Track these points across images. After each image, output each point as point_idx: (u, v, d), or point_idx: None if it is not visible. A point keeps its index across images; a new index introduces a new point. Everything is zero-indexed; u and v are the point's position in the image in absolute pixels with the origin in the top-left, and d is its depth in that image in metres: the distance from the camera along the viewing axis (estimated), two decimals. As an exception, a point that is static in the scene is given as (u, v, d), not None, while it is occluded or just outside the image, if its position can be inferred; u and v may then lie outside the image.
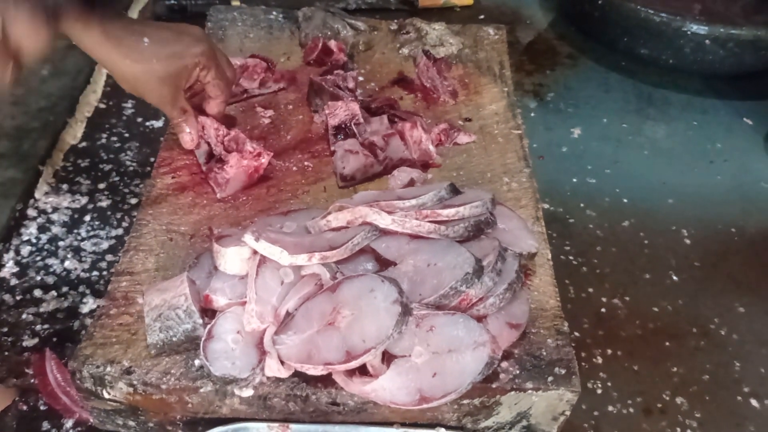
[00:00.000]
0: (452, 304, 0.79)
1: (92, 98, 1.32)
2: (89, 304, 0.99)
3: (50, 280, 1.02)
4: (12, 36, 0.72)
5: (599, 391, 0.97)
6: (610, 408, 0.95)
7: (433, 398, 0.74)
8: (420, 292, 0.80)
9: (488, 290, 0.80)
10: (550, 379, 0.80)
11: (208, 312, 0.84)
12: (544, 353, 0.82)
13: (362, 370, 0.77)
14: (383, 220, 0.85)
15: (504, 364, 0.80)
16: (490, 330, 0.78)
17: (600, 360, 1.01)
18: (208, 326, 0.80)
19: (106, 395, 0.80)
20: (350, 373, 0.77)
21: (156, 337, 0.79)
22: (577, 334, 1.02)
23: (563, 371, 0.80)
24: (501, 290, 0.81)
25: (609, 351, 1.02)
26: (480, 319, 0.80)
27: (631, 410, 0.95)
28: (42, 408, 0.88)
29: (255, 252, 0.83)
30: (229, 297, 0.83)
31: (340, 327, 0.77)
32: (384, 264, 0.84)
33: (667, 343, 1.04)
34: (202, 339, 0.79)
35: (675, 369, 1.00)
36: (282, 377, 0.78)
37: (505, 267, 0.83)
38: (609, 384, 0.98)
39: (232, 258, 0.83)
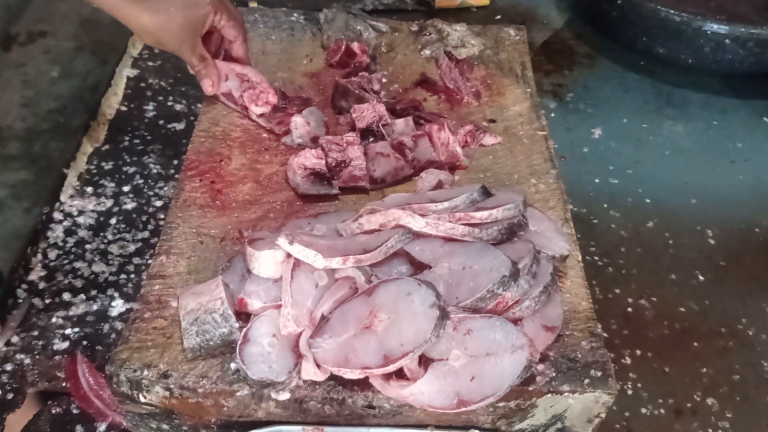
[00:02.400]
0: (488, 307, 0.79)
1: (113, 101, 1.32)
2: (118, 307, 0.99)
3: (78, 283, 1.02)
4: None
5: (630, 392, 0.97)
6: (641, 409, 0.95)
7: (471, 402, 0.74)
8: (456, 295, 0.79)
9: (524, 293, 0.80)
10: (586, 381, 0.80)
11: (242, 315, 0.84)
12: (579, 355, 0.82)
13: (399, 374, 0.77)
14: (416, 223, 0.85)
15: (540, 367, 0.80)
16: (527, 333, 0.78)
17: (629, 361, 1.01)
18: (244, 330, 0.80)
19: (142, 399, 0.80)
20: (387, 376, 0.77)
21: (193, 341, 0.79)
22: (605, 334, 1.01)
23: (599, 373, 0.80)
24: (536, 293, 0.81)
25: (638, 352, 1.02)
26: (515, 322, 0.80)
27: (662, 411, 0.95)
28: (75, 412, 0.89)
29: (288, 255, 0.83)
30: (263, 300, 0.83)
31: (377, 331, 0.77)
32: (418, 267, 0.84)
33: (696, 344, 1.04)
34: (238, 342, 0.79)
35: (704, 370, 1.00)
36: (318, 380, 0.78)
37: (539, 270, 0.82)
38: (639, 385, 0.98)
39: (266, 261, 0.83)
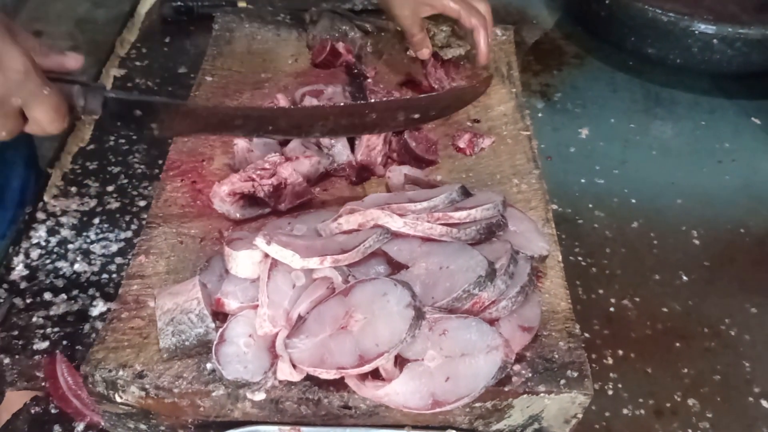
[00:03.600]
0: (465, 308, 0.79)
1: (100, 100, 1.31)
2: (99, 307, 0.99)
3: (60, 283, 1.02)
4: (30, 114, 0.75)
5: (610, 392, 0.97)
6: (622, 409, 0.95)
7: (446, 402, 0.74)
8: (432, 295, 0.79)
9: (501, 293, 0.80)
10: (562, 382, 0.79)
11: (220, 315, 0.84)
12: (556, 356, 0.82)
13: (375, 374, 0.77)
14: (395, 223, 0.85)
15: (516, 367, 0.80)
16: (503, 333, 0.78)
17: (611, 361, 1.00)
18: (220, 330, 0.80)
19: (118, 399, 0.80)
20: (363, 377, 0.77)
21: (168, 341, 0.79)
22: (587, 335, 1.02)
23: (575, 374, 0.80)
24: (513, 293, 0.81)
25: (620, 352, 1.01)
26: (492, 322, 0.80)
27: (643, 411, 0.95)
28: (53, 411, 0.89)
29: (266, 255, 0.83)
30: (240, 300, 0.83)
31: (353, 331, 0.77)
32: (396, 267, 0.84)
33: (678, 344, 1.03)
34: (215, 343, 0.79)
35: (686, 370, 1.00)
36: (294, 381, 0.78)
37: (517, 270, 0.82)
38: (620, 385, 0.97)
39: (243, 261, 0.83)
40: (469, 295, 0.78)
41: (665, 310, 1.08)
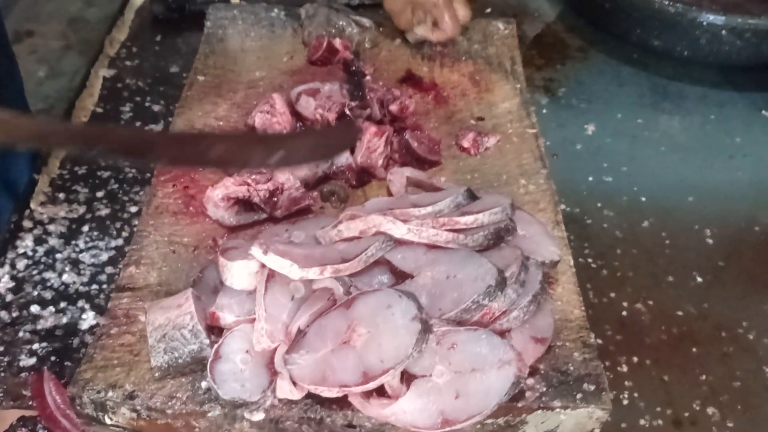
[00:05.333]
0: (474, 319, 0.75)
1: (89, 102, 1.27)
2: (89, 319, 0.94)
3: (48, 294, 0.97)
4: None
5: (625, 402, 0.92)
6: (639, 420, 0.90)
7: (457, 421, 0.70)
8: (439, 306, 0.75)
9: (512, 303, 0.76)
10: (578, 396, 0.75)
11: (215, 330, 0.79)
12: (571, 368, 0.78)
13: (380, 391, 0.73)
14: (398, 230, 0.80)
15: (530, 381, 0.76)
16: (515, 346, 0.73)
17: (625, 368, 0.96)
18: (216, 346, 0.76)
19: (108, 421, 0.76)
20: (367, 394, 0.73)
21: (160, 360, 0.75)
22: (599, 341, 0.97)
23: (592, 387, 0.76)
24: (525, 302, 0.76)
25: (634, 359, 0.97)
26: (503, 334, 0.76)
27: (660, 422, 0.90)
28: (41, 432, 0.84)
29: (263, 265, 0.78)
30: (236, 314, 0.78)
31: (355, 346, 0.72)
32: (400, 276, 0.79)
33: (694, 349, 0.99)
34: (209, 360, 0.75)
35: (704, 377, 0.96)
36: (295, 399, 0.74)
37: (528, 277, 0.78)
38: (636, 394, 0.93)
39: (239, 272, 0.79)
40: (478, 306, 0.74)
41: (680, 313, 1.03)
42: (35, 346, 0.91)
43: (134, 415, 0.74)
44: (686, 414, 0.92)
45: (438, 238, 0.80)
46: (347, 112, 1.01)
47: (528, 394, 0.75)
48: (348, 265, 0.77)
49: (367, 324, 0.73)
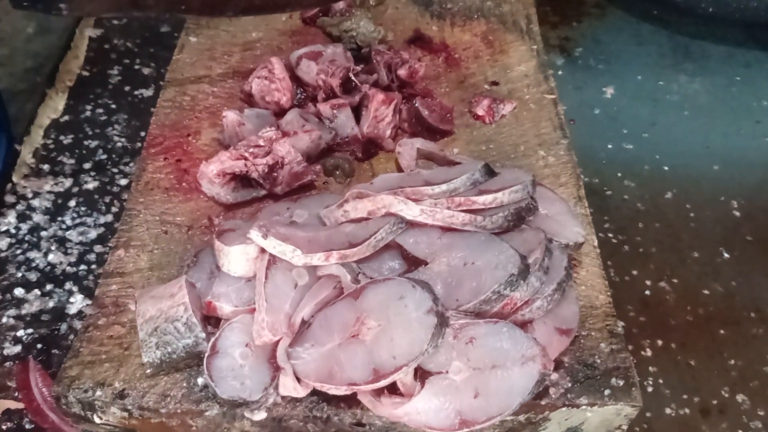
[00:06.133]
0: (493, 311, 0.68)
1: (74, 65, 1.19)
2: (77, 303, 0.88)
3: (33, 276, 0.91)
4: None
5: (650, 389, 0.87)
6: (664, 409, 0.85)
7: (476, 422, 0.64)
8: (456, 297, 0.69)
9: (535, 292, 0.69)
10: (606, 392, 0.69)
11: (212, 320, 0.73)
12: (598, 360, 0.72)
13: (392, 388, 0.67)
14: (410, 211, 0.73)
15: (554, 376, 0.70)
16: (538, 338, 0.67)
17: (649, 353, 0.90)
18: (213, 340, 0.69)
19: (97, 420, 0.70)
20: (378, 392, 0.67)
21: (152, 355, 0.68)
22: (622, 323, 0.91)
23: (621, 382, 0.70)
24: (549, 291, 0.70)
25: (659, 342, 0.91)
26: (525, 324, 0.70)
27: (687, 411, 0.85)
28: (28, 427, 0.79)
29: (263, 250, 0.72)
30: (235, 303, 0.72)
31: (365, 340, 0.66)
32: (413, 262, 0.72)
33: (722, 331, 0.93)
34: (206, 355, 0.68)
35: (732, 361, 0.90)
36: (299, 396, 0.68)
37: (552, 263, 0.71)
38: (660, 381, 0.88)
39: (236, 258, 0.72)
40: (499, 297, 0.67)
41: (706, 292, 0.97)
42: (20, 332, 0.85)
43: (125, 414, 0.69)
44: (714, 402, 0.86)
45: (454, 219, 0.73)
46: (352, 77, 0.93)
47: (552, 390, 0.69)
48: (356, 251, 0.71)
49: (378, 316, 0.67)
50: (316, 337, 0.68)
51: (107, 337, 0.72)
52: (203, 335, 0.69)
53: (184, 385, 0.69)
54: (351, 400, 0.68)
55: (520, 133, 0.95)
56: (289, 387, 0.67)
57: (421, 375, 0.66)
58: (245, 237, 0.72)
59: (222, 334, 0.70)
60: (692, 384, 0.88)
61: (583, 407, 0.69)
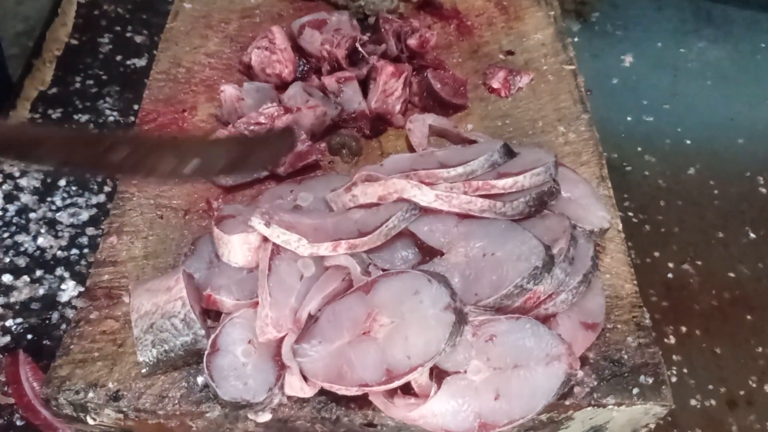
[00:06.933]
0: (515, 305, 0.63)
1: (62, 33, 1.12)
2: (69, 290, 0.84)
3: (21, 261, 0.86)
4: None
5: (674, 379, 0.83)
6: (689, 400, 0.81)
7: (496, 425, 0.60)
8: (475, 291, 0.64)
9: (559, 284, 0.64)
10: (635, 391, 0.65)
11: (211, 313, 0.68)
12: (625, 356, 0.67)
13: (405, 388, 0.62)
14: (424, 196, 0.68)
15: (579, 374, 0.65)
16: (562, 335, 0.62)
17: (672, 340, 0.86)
18: (213, 336, 0.64)
19: (90, 422, 0.66)
20: (391, 393, 0.62)
21: (148, 354, 0.64)
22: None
23: (650, 380, 0.66)
24: (575, 283, 0.65)
25: (683, 328, 0.87)
26: (547, 319, 0.65)
27: (713, 402, 0.81)
28: (18, 424, 0.75)
29: (266, 239, 0.66)
30: (236, 297, 0.67)
31: (377, 338, 0.61)
32: (428, 253, 0.67)
33: (749, 317, 0.89)
34: (206, 353, 0.64)
35: (760, 349, 0.86)
36: (306, 397, 0.63)
37: (577, 253, 0.66)
38: (685, 370, 0.84)
39: (237, 247, 0.67)
40: (521, 291, 0.63)
41: (732, 275, 0.93)
42: (9, 322, 0.81)
43: (120, 415, 0.64)
44: (741, 392, 0.82)
45: (471, 206, 0.68)
46: (359, 47, 0.87)
47: (577, 389, 0.65)
48: (366, 240, 0.65)
49: (391, 313, 0.62)
50: (324, 334, 0.63)
51: (100, 333, 0.67)
52: (203, 332, 0.64)
53: (183, 384, 0.64)
54: (362, 401, 0.64)
55: (538, 108, 0.89)
56: (295, 387, 0.63)
57: (437, 375, 0.62)
58: (246, 224, 0.67)
59: (223, 331, 0.65)
60: (718, 373, 0.84)
61: (610, 407, 0.64)
